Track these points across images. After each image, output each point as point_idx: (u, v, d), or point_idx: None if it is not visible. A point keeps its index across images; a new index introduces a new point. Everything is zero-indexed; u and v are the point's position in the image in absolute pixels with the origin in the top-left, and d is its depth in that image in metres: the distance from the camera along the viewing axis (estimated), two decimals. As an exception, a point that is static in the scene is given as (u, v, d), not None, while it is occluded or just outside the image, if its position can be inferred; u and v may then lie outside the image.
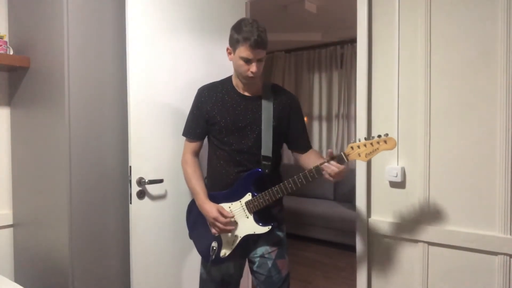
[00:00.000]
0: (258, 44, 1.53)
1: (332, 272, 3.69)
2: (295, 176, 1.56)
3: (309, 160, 1.72)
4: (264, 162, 1.65)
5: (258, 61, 1.58)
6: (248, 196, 1.63)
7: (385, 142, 1.49)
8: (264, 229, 1.62)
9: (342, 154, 1.52)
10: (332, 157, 1.52)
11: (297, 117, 1.76)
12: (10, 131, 2.14)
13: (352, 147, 1.52)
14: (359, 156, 1.51)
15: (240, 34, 1.55)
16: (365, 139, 1.51)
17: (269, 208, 1.63)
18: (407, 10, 1.85)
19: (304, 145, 1.78)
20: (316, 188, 4.95)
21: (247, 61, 1.57)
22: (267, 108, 1.67)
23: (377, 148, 1.50)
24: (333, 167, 1.50)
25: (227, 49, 1.66)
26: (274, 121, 1.67)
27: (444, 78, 1.77)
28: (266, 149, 1.66)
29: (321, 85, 5.35)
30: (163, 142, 1.98)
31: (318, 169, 1.52)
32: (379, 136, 1.50)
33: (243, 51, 1.55)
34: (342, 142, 5.18)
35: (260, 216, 1.64)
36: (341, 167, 1.51)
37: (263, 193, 1.60)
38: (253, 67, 1.57)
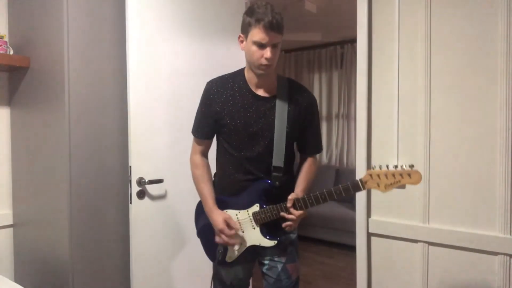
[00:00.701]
0: (273, 26, 1.39)
1: (332, 272, 3.69)
2: (305, 196, 1.49)
3: (299, 175, 1.65)
4: (274, 174, 1.54)
5: (273, 46, 1.43)
6: (255, 207, 1.54)
7: (409, 175, 1.33)
8: (270, 243, 1.54)
9: (359, 182, 1.40)
10: (292, 204, 1.47)
11: (311, 120, 1.63)
12: (10, 131, 2.14)
13: (371, 175, 1.38)
14: (378, 186, 1.37)
15: (252, 16, 1.42)
16: (387, 167, 1.37)
17: (277, 219, 1.54)
18: (407, 10, 1.85)
19: (309, 150, 1.68)
20: (316, 187, 4.94)
21: (261, 46, 1.42)
22: (281, 112, 1.53)
23: (399, 181, 1.34)
24: (290, 216, 1.47)
25: (239, 37, 1.51)
26: (288, 127, 1.53)
27: (444, 78, 1.77)
28: (278, 159, 1.54)
29: (321, 85, 5.35)
30: (163, 142, 1.98)
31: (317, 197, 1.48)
32: (403, 166, 1.36)
33: (256, 33, 1.41)
34: (342, 142, 5.18)
35: (267, 228, 1.56)
36: (295, 216, 1.47)
37: (271, 206, 1.51)
38: (268, 52, 1.41)
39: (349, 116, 5.11)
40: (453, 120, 1.75)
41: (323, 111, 5.33)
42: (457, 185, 1.75)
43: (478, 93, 1.69)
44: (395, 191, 1.90)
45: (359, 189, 1.41)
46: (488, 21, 1.66)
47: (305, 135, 1.63)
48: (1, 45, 1.96)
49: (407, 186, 1.86)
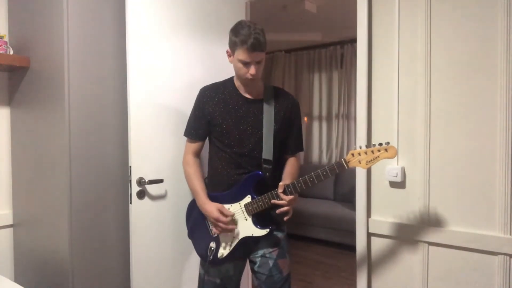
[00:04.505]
0: (255, 47, 1.54)
1: (332, 272, 3.69)
2: (295, 181, 1.58)
3: (284, 172, 1.74)
4: (265, 166, 1.65)
5: (257, 63, 1.59)
6: (247, 199, 1.63)
7: (386, 150, 1.49)
8: (262, 232, 1.62)
9: (342, 161, 1.52)
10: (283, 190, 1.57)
11: (294, 121, 1.77)
12: (10, 131, 2.14)
13: (352, 154, 1.52)
14: (359, 163, 1.51)
15: (237, 37, 1.57)
16: (366, 146, 1.52)
17: (268, 210, 1.63)
18: (407, 10, 1.85)
19: (291, 149, 1.78)
20: (316, 188, 4.95)
21: (246, 64, 1.58)
22: (268, 112, 1.67)
23: (378, 156, 1.50)
24: (281, 202, 1.57)
25: (227, 51, 1.67)
26: (275, 125, 1.67)
27: (444, 78, 1.77)
28: (267, 152, 1.66)
29: (321, 85, 5.35)
30: (163, 142, 1.98)
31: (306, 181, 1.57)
32: (380, 144, 1.50)
33: (241, 54, 1.57)
34: (342, 142, 5.18)
35: (259, 219, 1.64)
36: (286, 201, 1.56)
37: (262, 196, 1.60)
38: (252, 70, 1.58)
39: (349, 116, 5.11)
40: (453, 120, 1.75)
41: (323, 111, 5.33)
42: (457, 185, 1.75)
43: (478, 93, 1.69)
44: (396, 191, 1.90)
45: (343, 168, 1.53)
46: (488, 21, 1.66)
47: (288, 135, 1.75)
48: (1, 45, 1.96)
49: (407, 186, 1.88)
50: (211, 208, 1.64)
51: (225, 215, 1.62)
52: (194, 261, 2.07)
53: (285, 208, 1.58)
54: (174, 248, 2.04)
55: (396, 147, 1.88)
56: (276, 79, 5.64)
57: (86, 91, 1.84)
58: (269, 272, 1.68)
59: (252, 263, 1.73)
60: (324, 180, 1.56)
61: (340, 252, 4.19)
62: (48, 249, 1.92)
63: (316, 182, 1.55)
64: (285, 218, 1.63)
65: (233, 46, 1.60)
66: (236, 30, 1.59)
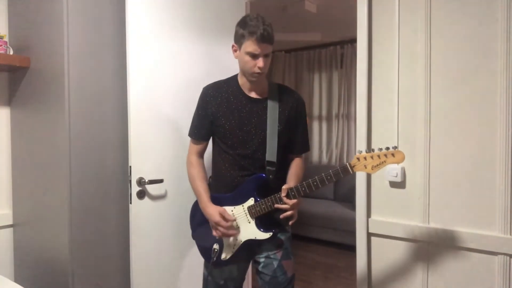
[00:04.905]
0: (265, 38, 1.50)
1: (332, 272, 3.69)
2: (298, 185, 1.54)
3: (289, 173, 1.71)
4: (268, 168, 1.62)
5: (265, 56, 1.54)
6: (250, 201, 1.61)
7: (393, 155, 1.44)
8: (265, 235, 1.60)
9: (348, 165, 1.48)
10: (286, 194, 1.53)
11: (300, 120, 1.72)
12: (10, 131, 2.14)
13: (358, 158, 1.47)
14: (365, 168, 1.46)
15: (245, 29, 1.52)
16: (373, 150, 1.47)
17: (272, 212, 1.60)
18: (407, 10, 1.85)
19: (297, 149, 1.75)
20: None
21: (254, 56, 1.53)
22: (272, 112, 1.64)
23: (384, 161, 1.44)
24: (284, 206, 1.54)
25: (233, 46, 1.62)
26: (279, 125, 1.63)
27: (444, 78, 1.77)
28: (271, 154, 1.62)
29: (321, 85, 5.35)
30: (163, 142, 1.98)
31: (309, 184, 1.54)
32: (387, 148, 1.45)
33: (249, 45, 1.52)
34: (342, 142, 5.18)
35: (262, 221, 1.62)
36: (289, 205, 1.53)
37: (265, 199, 1.57)
38: (260, 62, 1.53)
39: (349, 116, 5.11)
40: (453, 120, 1.75)
41: (323, 111, 5.33)
42: (457, 185, 1.75)
43: (478, 93, 1.69)
44: (396, 191, 1.90)
45: (348, 173, 1.49)
46: (488, 21, 1.66)
47: (294, 134, 1.71)
48: (1, 45, 1.96)
49: (407, 186, 1.87)
50: (212, 211, 1.62)
51: (226, 220, 1.59)
52: (194, 261, 2.07)
53: (288, 213, 1.55)
54: (174, 248, 2.04)
55: (397, 146, 1.87)
56: (276, 79, 5.63)
57: (86, 90, 1.84)
58: (273, 273, 1.66)
59: (256, 263, 1.71)
60: (328, 184, 1.52)
61: (340, 252, 4.19)
62: (48, 249, 1.92)
63: (320, 186, 1.51)
64: (290, 223, 1.60)
65: (240, 38, 1.55)
66: (244, 22, 1.55)
